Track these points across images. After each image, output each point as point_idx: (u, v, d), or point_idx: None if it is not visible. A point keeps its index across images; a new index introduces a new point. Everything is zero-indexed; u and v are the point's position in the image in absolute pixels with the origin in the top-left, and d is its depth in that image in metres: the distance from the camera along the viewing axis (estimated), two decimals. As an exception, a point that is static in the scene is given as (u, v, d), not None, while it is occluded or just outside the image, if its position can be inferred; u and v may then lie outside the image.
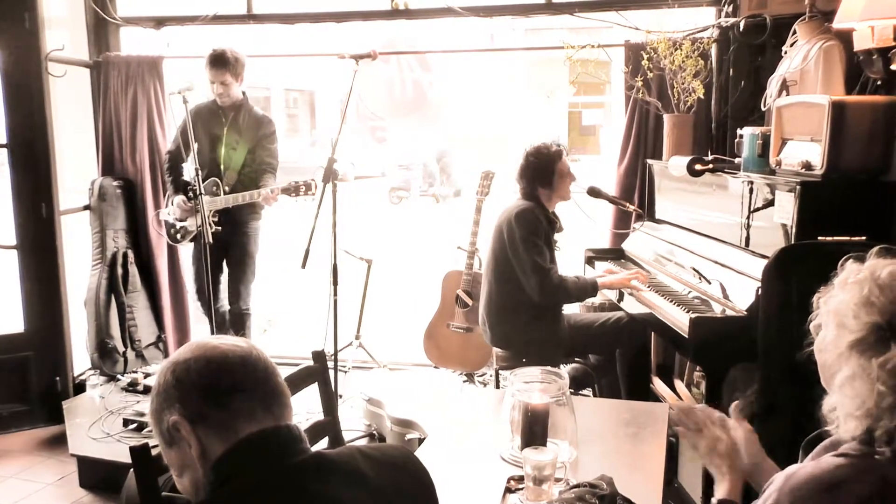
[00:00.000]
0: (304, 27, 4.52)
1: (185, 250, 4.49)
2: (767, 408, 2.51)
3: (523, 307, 3.33)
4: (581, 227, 3.76)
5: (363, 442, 3.54)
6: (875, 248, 1.30)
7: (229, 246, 4.09)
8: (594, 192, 3.73)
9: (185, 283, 4.68)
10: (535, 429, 1.93)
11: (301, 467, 1.15)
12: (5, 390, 4.17)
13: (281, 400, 1.20)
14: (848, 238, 2.50)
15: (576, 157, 3.57)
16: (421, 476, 1.30)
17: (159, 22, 4.57)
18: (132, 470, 3.02)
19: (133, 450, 1.60)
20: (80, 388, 4.38)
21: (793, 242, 2.54)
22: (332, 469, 1.18)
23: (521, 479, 1.80)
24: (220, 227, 3.87)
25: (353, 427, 3.71)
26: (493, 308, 3.45)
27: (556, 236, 3.49)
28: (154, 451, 1.63)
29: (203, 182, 3.59)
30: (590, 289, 3.32)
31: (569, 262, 3.64)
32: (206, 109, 4.07)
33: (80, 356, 4.49)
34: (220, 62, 3.95)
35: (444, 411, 2.76)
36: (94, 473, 3.54)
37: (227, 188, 3.98)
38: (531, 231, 3.26)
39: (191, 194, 3.66)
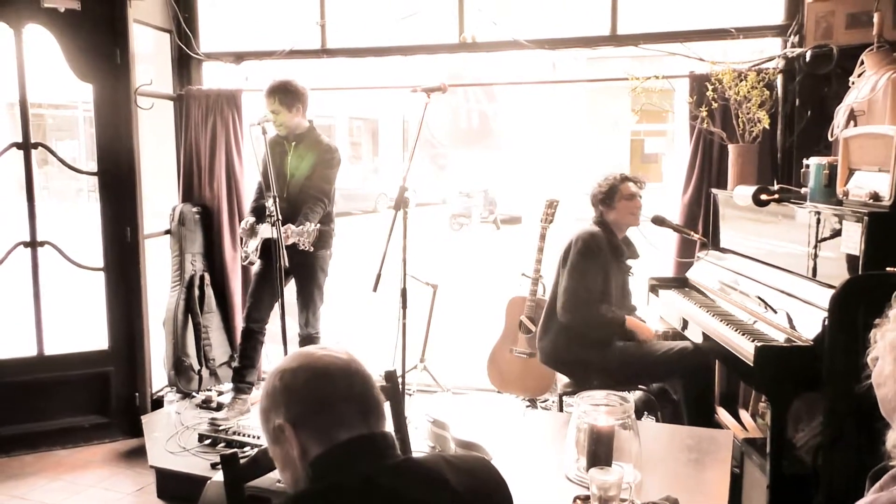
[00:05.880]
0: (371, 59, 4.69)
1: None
2: (833, 439, 2.51)
3: (573, 328, 3.46)
4: (645, 255, 3.80)
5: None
6: None
7: (294, 274, 4.12)
8: (659, 221, 3.78)
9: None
10: (599, 450, 1.99)
11: (390, 470, 1.26)
12: (88, 404, 4.39)
13: (377, 410, 1.31)
14: (917, 269, 2.49)
15: (643, 183, 3.66)
16: (499, 485, 1.39)
17: (239, 57, 4.82)
18: (209, 480, 3.16)
19: (223, 457, 1.72)
20: (157, 403, 4.57)
21: (860, 273, 2.54)
22: (418, 473, 1.30)
23: (586, 498, 1.85)
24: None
25: (417, 448, 3.77)
26: (545, 324, 3.56)
27: (630, 262, 3.57)
28: (242, 460, 1.76)
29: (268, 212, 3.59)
30: (616, 325, 3.45)
31: (634, 290, 3.69)
32: (274, 141, 4.07)
33: (158, 373, 4.68)
34: (269, 91, 4.01)
35: (508, 434, 2.82)
36: (171, 485, 3.69)
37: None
38: (584, 254, 3.40)
39: (266, 220, 3.78)
